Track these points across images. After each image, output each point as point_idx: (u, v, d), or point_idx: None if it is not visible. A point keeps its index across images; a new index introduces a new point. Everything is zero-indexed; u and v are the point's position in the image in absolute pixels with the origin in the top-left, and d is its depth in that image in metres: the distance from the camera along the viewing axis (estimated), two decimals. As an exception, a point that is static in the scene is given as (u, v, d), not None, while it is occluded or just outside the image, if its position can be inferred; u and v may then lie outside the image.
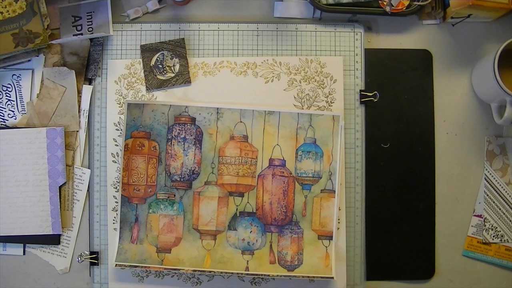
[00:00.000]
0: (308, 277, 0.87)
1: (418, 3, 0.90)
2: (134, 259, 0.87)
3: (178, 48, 0.90)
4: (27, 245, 0.89)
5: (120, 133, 0.89)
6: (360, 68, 0.91)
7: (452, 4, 0.86)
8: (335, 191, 0.88)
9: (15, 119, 0.90)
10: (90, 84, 0.90)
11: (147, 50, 0.90)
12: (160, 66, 0.90)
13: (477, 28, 0.93)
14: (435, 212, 0.91)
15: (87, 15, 0.89)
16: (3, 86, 0.90)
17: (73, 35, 0.89)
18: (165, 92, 0.90)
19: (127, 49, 0.91)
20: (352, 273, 0.89)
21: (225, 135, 0.89)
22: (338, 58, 0.91)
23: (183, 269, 0.86)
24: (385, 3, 0.90)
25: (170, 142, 0.88)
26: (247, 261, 0.88)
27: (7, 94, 0.90)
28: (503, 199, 0.91)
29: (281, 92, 0.90)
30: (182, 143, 0.88)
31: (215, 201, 0.88)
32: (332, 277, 0.86)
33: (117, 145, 0.89)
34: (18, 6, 0.85)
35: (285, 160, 0.89)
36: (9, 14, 0.85)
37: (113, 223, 0.88)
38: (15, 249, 0.89)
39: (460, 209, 0.91)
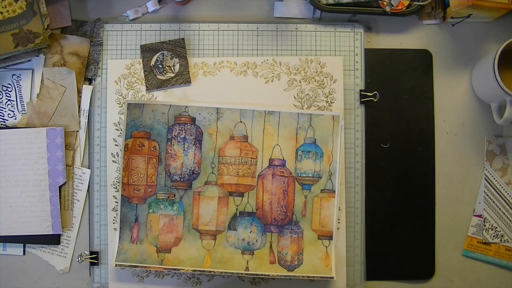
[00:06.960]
0: (308, 277, 0.87)
1: (418, 3, 0.90)
2: (134, 259, 0.87)
3: (178, 48, 0.90)
4: (27, 245, 0.89)
5: (120, 133, 0.89)
6: (360, 68, 0.91)
7: (452, 4, 0.86)
8: (335, 191, 0.88)
9: (15, 119, 0.90)
10: (90, 84, 0.90)
11: (147, 50, 0.90)
12: (160, 66, 0.90)
13: (477, 28, 0.93)
14: (435, 212, 0.91)
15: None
16: (3, 86, 0.90)
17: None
18: (165, 92, 0.90)
19: (127, 49, 0.91)
20: (352, 273, 0.89)
21: (225, 135, 0.89)
22: (338, 58, 0.91)
23: (183, 269, 0.86)
24: (385, 3, 0.90)
25: (170, 142, 0.88)
26: (247, 261, 0.88)
27: (7, 94, 0.90)
28: (503, 199, 0.91)
29: (281, 92, 0.90)
30: (182, 143, 0.88)
31: (215, 201, 0.88)
32: (332, 277, 0.86)
33: (117, 145, 0.89)
34: (18, 6, 0.85)
35: (285, 160, 0.89)
36: (9, 14, 0.85)
37: (113, 223, 0.88)
38: (15, 249, 0.89)
39: (460, 209, 0.91)
